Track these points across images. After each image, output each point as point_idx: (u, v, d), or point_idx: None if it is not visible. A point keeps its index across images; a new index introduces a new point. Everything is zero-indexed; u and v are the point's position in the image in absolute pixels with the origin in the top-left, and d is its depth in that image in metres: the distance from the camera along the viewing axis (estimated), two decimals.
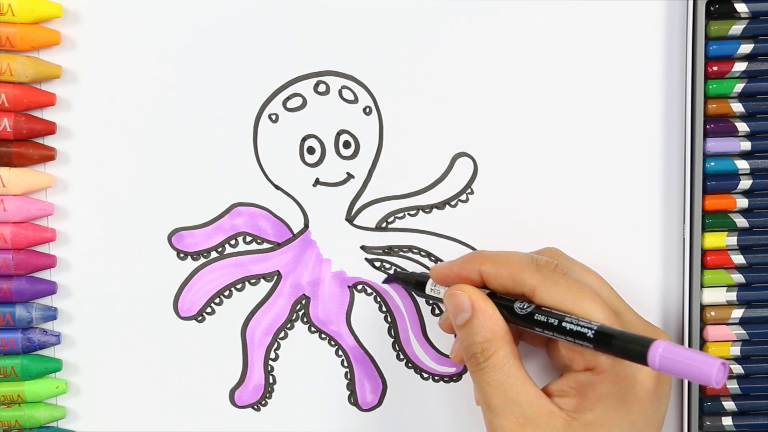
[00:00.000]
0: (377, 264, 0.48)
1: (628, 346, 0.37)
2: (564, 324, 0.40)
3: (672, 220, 0.48)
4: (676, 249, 0.48)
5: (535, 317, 0.41)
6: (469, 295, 0.42)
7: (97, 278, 0.48)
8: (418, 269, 0.48)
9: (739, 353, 0.48)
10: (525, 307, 0.41)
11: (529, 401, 0.40)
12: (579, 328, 0.39)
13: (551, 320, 0.40)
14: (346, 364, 0.49)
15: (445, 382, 0.49)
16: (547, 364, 0.47)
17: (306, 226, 0.48)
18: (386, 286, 0.49)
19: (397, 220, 0.48)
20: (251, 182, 0.48)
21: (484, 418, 0.42)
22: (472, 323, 0.42)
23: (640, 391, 0.40)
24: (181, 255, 0.48)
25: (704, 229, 0.47)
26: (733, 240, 0.47)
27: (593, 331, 0.39)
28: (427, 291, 0.45)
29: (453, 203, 0.48)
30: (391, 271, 0.48)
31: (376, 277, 0.49)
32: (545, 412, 0.40)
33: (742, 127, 0.47)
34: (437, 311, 0.49)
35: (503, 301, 0.42)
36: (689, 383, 0.47)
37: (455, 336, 0.45)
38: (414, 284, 0.47)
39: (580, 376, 0.41)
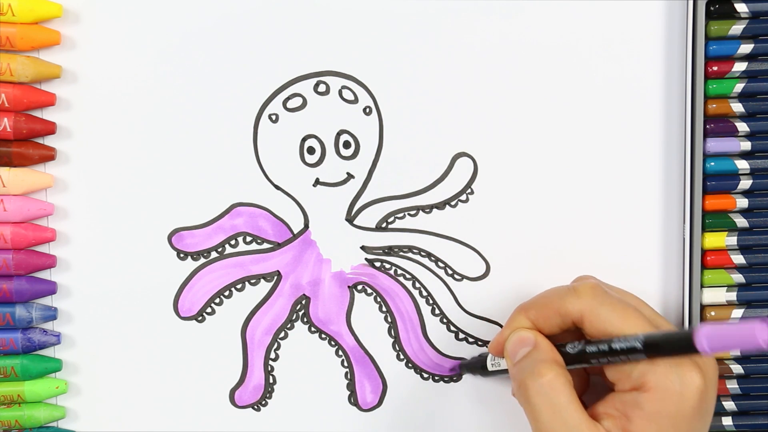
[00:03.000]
0: (377, 264, 0.48)
1: (676, 342, 0.39)
2: (614, 345, 0.41)
3: (672, 220, 0.48)
4: (676, 249, 0.48)
5: (587, 350, 0.42)
6: (533, 333, 0.43)
7: (97, 278, 0.48)
8: (418, 270, 0.48)
9: (739, 353, 0.48)
10: (575, 345, 0.42)
11: (580, 422, 0.41)
12: (628, 344, 0.40)
13: (602, 347, 0.41)
14: (346, 364, 0.49)
15: (445, 382, 0.49)
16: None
17: (306, 226, 0.48)
18: (394, 290, 0.49)
19: (397, 220, 0.48)
20: (251, 182, 0.48)
21: (531, 425, 0.42)
22: (531, 354, 0.43)
23: (686, 408, 0.40)
24: (181, 255, 0.48)
25: (704, 229, 0.47)
26: (733, 240, 0.47)
27: (641, 342, 0.40)
28: (490, 368, 0.46)
29: (453, 203, 0.48)
30: (392, 271, 0.48)
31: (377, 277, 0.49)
32: None
33: (742, 127, 0.47)
34: (437, 311, 0.49)
35: (556, 346, 0.43)
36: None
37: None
38: (480, 369, 0.47)
39: (626, 397, 0.41)
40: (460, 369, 0.49)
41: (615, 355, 0.41)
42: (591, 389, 0.46)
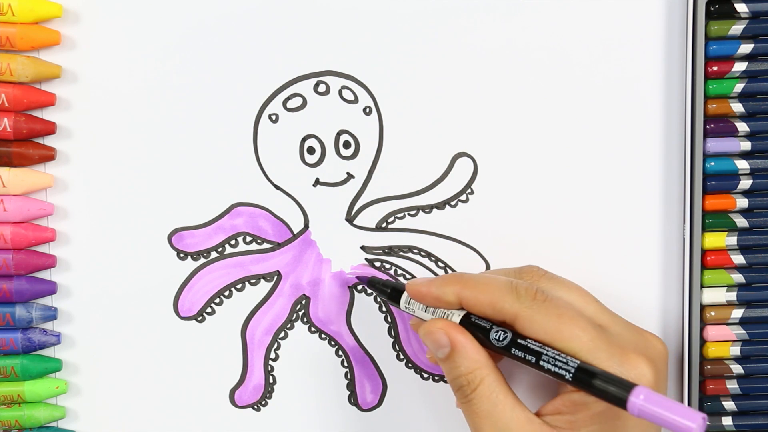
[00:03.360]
0: (377, 264, 0.48)
1: (608, 390, 0.37)
2: (541, 363, 0.39)
3: (672, 220, 0.48)
4: (676, 249, 0.48)
5: (512, 351, 0.40)
6: (446, 331, 0.42)
7: (97, 278, 0.48)
8: (418, 271, 0.48)
9: (739, 353, 0.48)
10: (501, 338, 0.41)
11: (520, 426, 0.40)
12: (557, 369, 0.39)
13: (528, 357, 0.40)
14: (346, 364, 0.49)
15: (445, 382, 0.49)
16: (539, 384, 0.47)
17: (306, 226, 0.48)
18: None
19: (397, 220, 0.48)
20: (251, 182, 0.48)
21: None
22: (453, 357, 0.41)
23: None
24: (181, 255, 0.48)
25: (704, 229, 0.47)
26: (733, 240, 0.47)
27: (571, 373, 0.38)
28: (402, 305, 0.45)
29: (453, 203, 0.48)
30: (392, 271, 0.48)
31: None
32: None
33: (742, 127, 0.47)
34: None
35: (479, 329, 0.42)
36: (689, 382, 0.47)
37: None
38: (389, 293, 0.46)
39: (573, 396, 0.40)
40: (368, 284, 0.47)
41: (541, 370, 0.39)
42: (543, 387, 0.45)
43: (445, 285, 0.43)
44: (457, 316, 0.42)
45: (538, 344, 0.40)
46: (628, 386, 0.37)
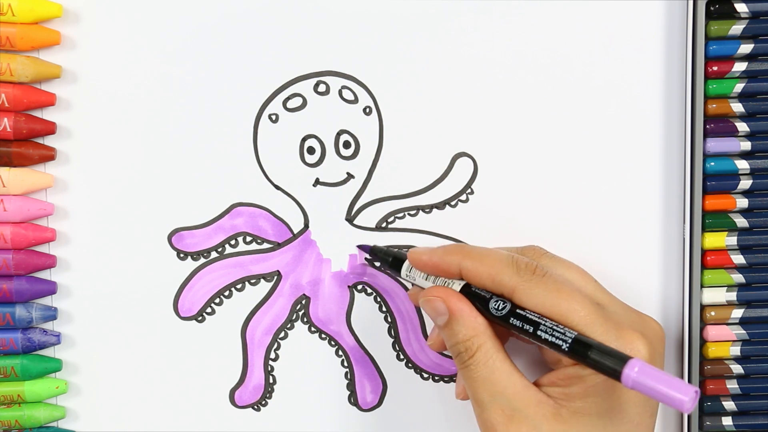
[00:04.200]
0: (377, 264, 0.48)
1: (604, 362, 0.38)
2: (539, 333, 0.40)
3: (672, 220, 0.48)
4: (676, 249, 0.48)
5: (510, 321, 0.41)
6: (444, 298, 0.42)
7: (97, 278, 0.48)
8: None
9: (739, 353, 0.48)
10: (500, 307, 0.41)
11: (516, 392, 0.40)
12: (554, 339, 0.39)
13: (526, 326, 0.40)
14: (346, 364, 0.49)
15: (445, 382, 0.49)
16: (538, 360, 0.47)
17: (306, 226, 0.48)
18: (394, 290, 0.49)
19: (397, 220, 0.48)
20: (251, 182, 0.48)
21: (475, 414, 0.42)
22: (451, 324, 0.42)
23: None
24: (181, 255, 0.48)
25: (704, 229, 0.47)
26: (733, 240, 0.47)
27: (568, 344, 0.39)
28: (403, 274, 0.45)
29: (453, 203, 0.48)
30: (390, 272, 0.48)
31: (377, 277, 0.49)
32: (533, 401, 0.40)
33: (742, 127, 0.47)
34: None
35: (479, 299, 0.42)
36: (689, 382, 0.47)
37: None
38: (391, 261, 0.46)
39: (569, 370, 0.41)
40: (370, 252, 0.47)
41: (539, 341, 0.40)
42: (539, 363, 0.46)
43: (447, 255, 0.43)
44: (457, 285, 0.43)
45: (536, 315, 0.40)
46: (623, 358, 0.37)
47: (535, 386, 0.41)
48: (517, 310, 0.41)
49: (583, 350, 0.38)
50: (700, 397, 0.48)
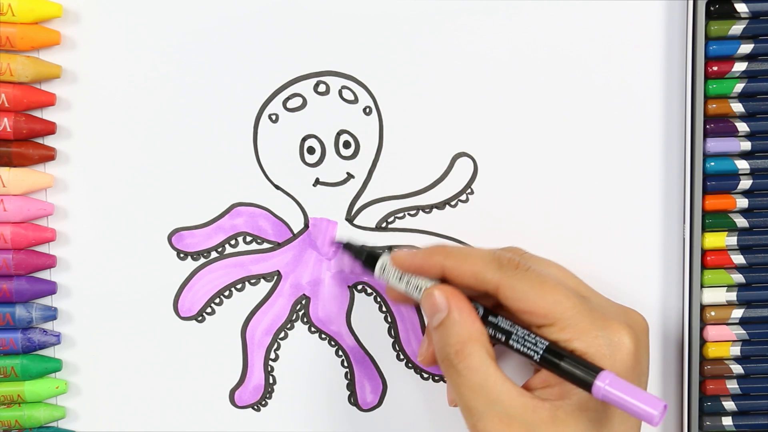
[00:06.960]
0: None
1: (575, 372, 0.38)
2: (511, 342, 0.40)
3: (672, 220, 0.48)
4: (676, 249, 0.48)
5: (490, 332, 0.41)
6: (446, 294, 0.42)
7: (97, 278, 0.48)
8: None
9: (739, 353, 0.48)
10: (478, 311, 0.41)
11: (512, 399, 0.40)
12: (526, 350, 0.39)
13: (498, 335, 0.40)
14: (346, 364, 0.49)
15: (445, 382, 0.49)
16: (521, 363, 0.47)
17: (306, 226, 0.48)
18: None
19: (397, 220, 0.48)
20: (251, 182, 0.48)
21: (465, 422, 0.41)
22: (446, 324, 0.41)
23: (618, 372, 0.39)
24: (181, 255, 0.48)
25: (704, 229, 0.47)
26: (733, 240, 0.47)
27: (539, 355, 0.39)
28: (376, 273, 0.44)
29: (453, 203, 0.48)
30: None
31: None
32: (529, 407, 0.40)
33: (742, 127, 0.47)
34: None
35: None
36: (689, 382, 0.47)
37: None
38: (364, 259, 0.45)
39: None
40: (344, 247, 0.46)
41: (510, 349, 0.40)
42: (525, 365, 0.46)
43: (430, 255, 0.43)
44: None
45: (508, 323, 0.40)
46: (595, 370, 0.37)
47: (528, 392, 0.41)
48: (489, 318, 0.41)
49: (555, 360, 0.39)
50: (700, 396, 0.48)
